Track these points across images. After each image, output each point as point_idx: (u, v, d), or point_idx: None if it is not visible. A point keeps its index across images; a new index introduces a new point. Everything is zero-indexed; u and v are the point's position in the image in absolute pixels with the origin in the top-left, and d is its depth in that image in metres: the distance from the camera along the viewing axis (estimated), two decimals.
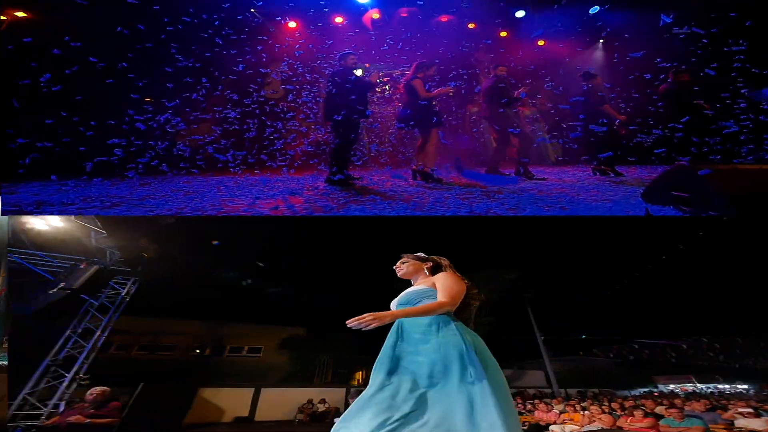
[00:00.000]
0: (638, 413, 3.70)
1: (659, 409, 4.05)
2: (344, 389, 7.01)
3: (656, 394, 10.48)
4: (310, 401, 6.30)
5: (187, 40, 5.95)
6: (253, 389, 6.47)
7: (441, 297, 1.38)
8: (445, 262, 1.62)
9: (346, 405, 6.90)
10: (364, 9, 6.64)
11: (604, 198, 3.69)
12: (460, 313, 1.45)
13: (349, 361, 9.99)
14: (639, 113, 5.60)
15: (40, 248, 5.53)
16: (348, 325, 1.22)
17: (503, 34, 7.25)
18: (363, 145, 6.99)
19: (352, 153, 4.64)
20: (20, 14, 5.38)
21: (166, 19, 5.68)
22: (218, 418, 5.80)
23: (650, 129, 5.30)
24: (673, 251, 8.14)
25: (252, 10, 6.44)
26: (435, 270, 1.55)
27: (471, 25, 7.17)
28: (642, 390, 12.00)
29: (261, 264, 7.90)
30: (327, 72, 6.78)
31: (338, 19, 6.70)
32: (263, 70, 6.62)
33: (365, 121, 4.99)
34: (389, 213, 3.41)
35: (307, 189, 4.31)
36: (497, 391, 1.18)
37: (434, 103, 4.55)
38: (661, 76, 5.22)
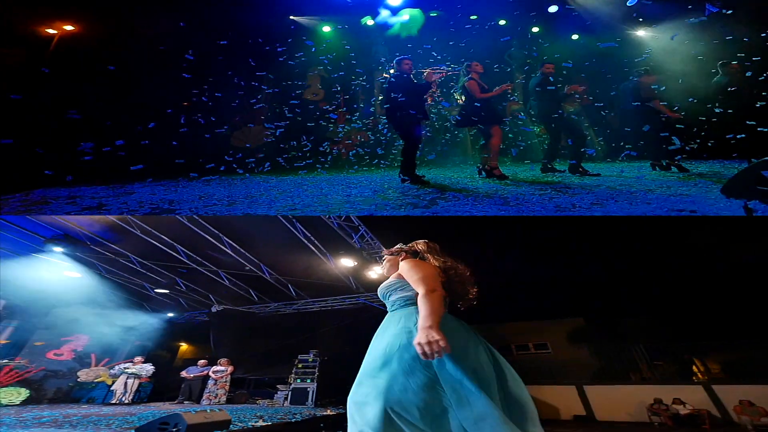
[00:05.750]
0: None
1: None
2: (700, 387, 5.70)
3: None
4: (658, 401, 5.53)
5: (237, 49, 6.44)
6: (573, 386, 6.46)
7: (417, 290, 1.29)
8: (420, 247, 1.53)
9: (719, 407, 5.58)
10: (395, 11, 6.91)
11: (679, 193, 3.60)
12: (450, 296, 1.37)
13: (664, 351, 8.21)
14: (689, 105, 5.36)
15: (369, 290, 8.13)
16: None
17: (535, 29, 7.25)
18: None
19: (418, 153, 4.72)
20: (69, 27, 5.53)
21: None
22: (555, 416, 6.12)
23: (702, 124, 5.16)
24: None
25: (292, 17, 7.02)
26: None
27: (502, 22, 7.11)
28: None
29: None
30: (363, 73, 7.26)
31: (369, 22, 7.02)
32: (298, 82, 7.07)
33: (427, 122, 5.07)
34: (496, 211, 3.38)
35: (388, 187, 4.50)
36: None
37: (492, 99, 4.59)
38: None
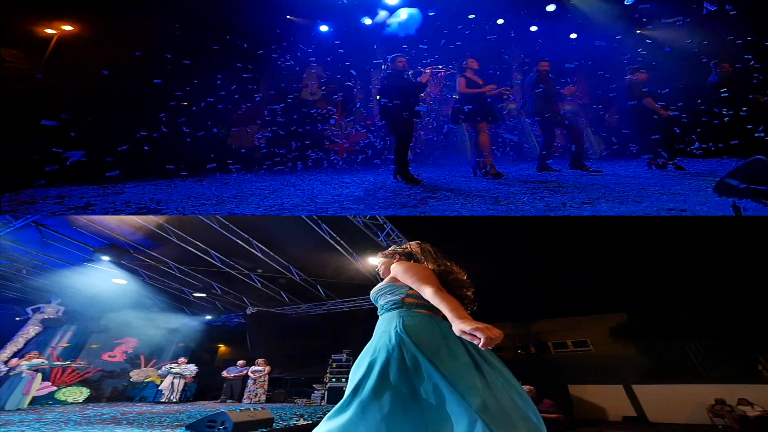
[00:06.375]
0: None
1: None
2: (760, 386, 5.24)
3: None
4: (720, 401, 5.14)
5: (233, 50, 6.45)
6: (620, 386, 6.16)
7: (421, 292, 1.27)
8: (414, 248, 1.52)
9: None
10: (392, 10, 6.95)
11: (672, 191, 3.67)
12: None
13: (722, 347, 7.61)
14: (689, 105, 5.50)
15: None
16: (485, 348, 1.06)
17: (533, 28, 7.34)
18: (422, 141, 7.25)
19: (409, 151, 4.71)
20: (68, 27, 5.48)
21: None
22: (602, 416, 5.87)
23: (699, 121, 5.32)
24: None
25: (288, 17, 7.01)
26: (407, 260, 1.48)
27: (500, 21, 7.21)
28: None
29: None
30: (361, 72, 7.22)
31: (367, 21, 7.07)
32: (298, 81, 7.16)
33: (419, 120, 5.15)
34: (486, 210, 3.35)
35: (381, 187, 4.51)
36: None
37: (488, 99, 4.66)
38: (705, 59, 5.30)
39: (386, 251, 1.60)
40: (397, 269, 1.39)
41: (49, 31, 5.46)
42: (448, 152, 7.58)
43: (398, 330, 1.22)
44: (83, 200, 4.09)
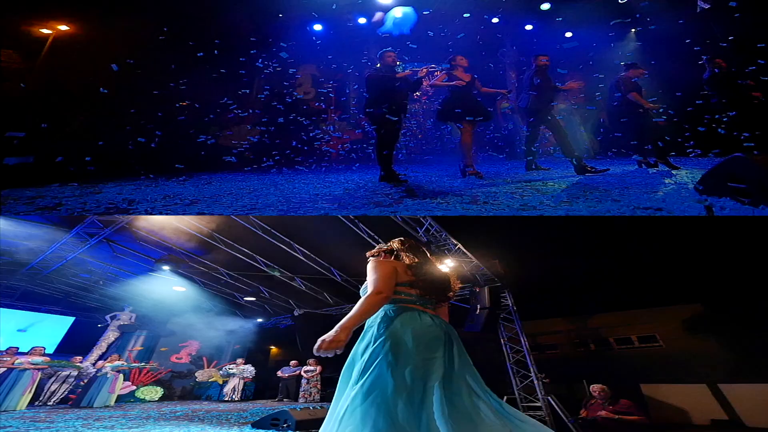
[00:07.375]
0: None
1: None
2: None
3: None
4: None
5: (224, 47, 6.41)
6: (704, 385, 5.58)
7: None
8: (395, 245, 1.61)
9: None
10: (386, 9, 6.97)
11: (654, 190, 3.76)
12: (425, 293, 1.45)
13: None
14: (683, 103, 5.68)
15: None
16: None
17: (528, 27, 7.52)
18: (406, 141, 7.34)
19: (394, 150, 4.65)
20: (64, 27, 5.48)
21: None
22: (684, 420, 5.37)
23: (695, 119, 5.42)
24: None
25: (280, 15, 6.95)
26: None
27: (495, 20, 7.41)
28: None
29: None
30: (354, 72, 7.25)
31: (361, 20, 7.20)
32: (291, 80, 7.10)
33: (405, 118, 5.00)
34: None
35: (362, 186, 4.56)
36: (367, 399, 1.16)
37: (478, 98, 4.74)
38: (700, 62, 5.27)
39: (374, 250, 1.70)
40: (368, 268, 1.50)
41: (45, 31, 5.47)
42: (445, 151, 7.69)
43: (380, 325, 1.36)
44: (56, 200, 4.08)
